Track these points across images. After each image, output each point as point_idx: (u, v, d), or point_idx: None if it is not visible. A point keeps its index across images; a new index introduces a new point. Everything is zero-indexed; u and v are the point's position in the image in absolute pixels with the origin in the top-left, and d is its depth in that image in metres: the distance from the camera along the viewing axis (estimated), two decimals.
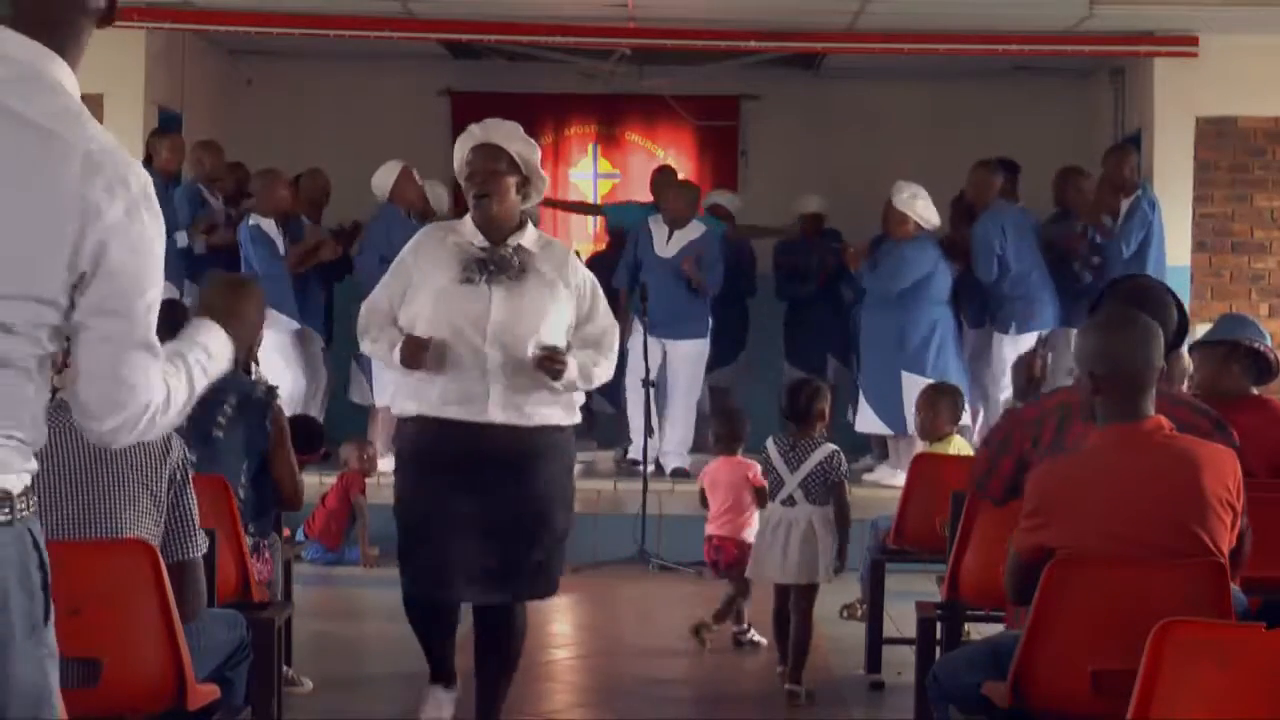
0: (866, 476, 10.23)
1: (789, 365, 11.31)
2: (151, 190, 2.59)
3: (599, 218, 12.23)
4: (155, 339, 2.63)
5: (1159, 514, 3.89)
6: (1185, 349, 4.78)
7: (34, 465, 2.61)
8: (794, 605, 6.32)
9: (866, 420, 10.20)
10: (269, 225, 9.92)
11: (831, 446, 6.38)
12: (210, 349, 2.86)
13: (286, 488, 5.55)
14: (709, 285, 10.44)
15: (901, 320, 10.03)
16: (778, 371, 11.19)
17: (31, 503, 2.59)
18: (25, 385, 2.55)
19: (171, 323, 4.36)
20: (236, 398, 5.32)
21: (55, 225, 2.50)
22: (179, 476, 4.16)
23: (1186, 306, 9.44)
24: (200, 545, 4.24)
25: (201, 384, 2.79)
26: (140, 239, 2.56)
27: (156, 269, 2.60)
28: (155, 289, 2.60)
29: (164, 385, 2.64)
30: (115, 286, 2.55)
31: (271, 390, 5.50)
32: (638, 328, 10.31)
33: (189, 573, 4.21)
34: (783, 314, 11.61)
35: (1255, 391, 5.42)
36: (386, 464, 10.01)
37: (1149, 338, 3.94)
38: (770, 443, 6.48)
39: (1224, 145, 10.86)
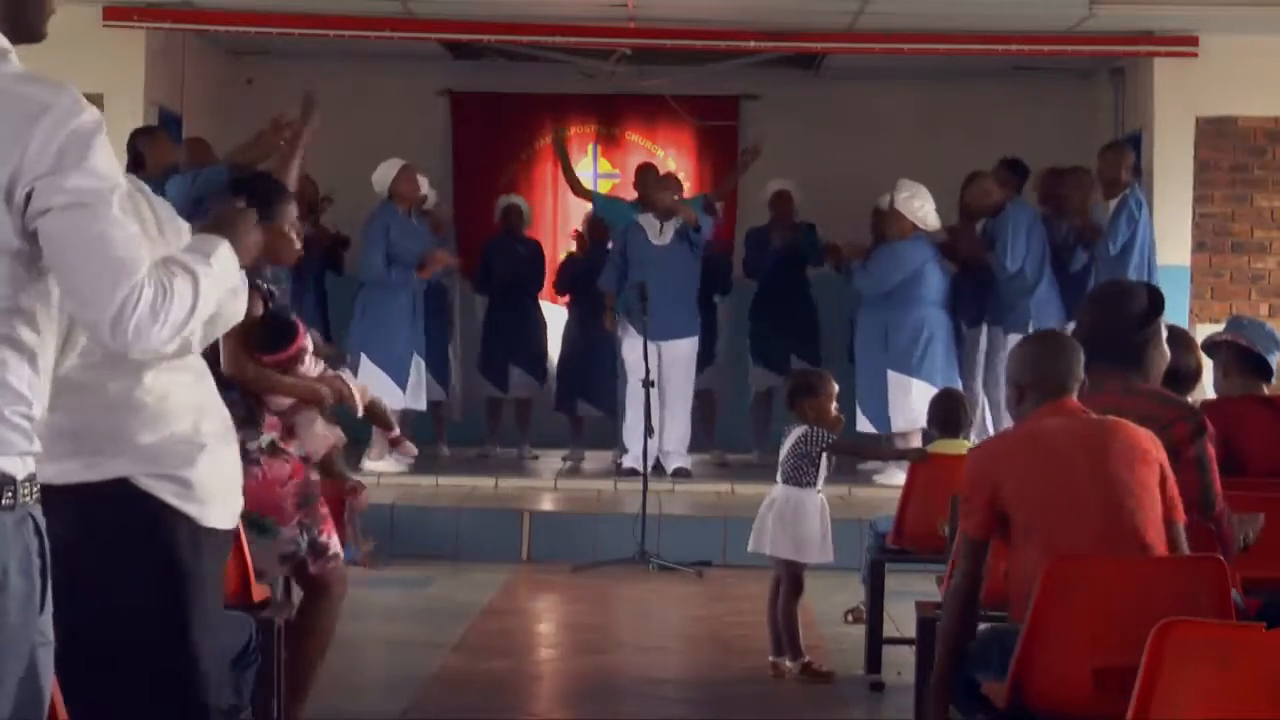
0: (876, 477, 10.24)
1: (753, 365, 11.45)
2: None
3: (586, 206, 12.18)
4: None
5: (1092, 454, 4.12)
6: (1165, 346, 4.79)
7: (38, 447, 2.60)
8: (782, 581, 6.50)
9: (861, 419, 10.22)
10: None
11: (803, 427, 6.50)
12: (212, 255, 2.84)
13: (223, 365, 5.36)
14: (695, 216, 10.64)
15: (890, 320, 10.12)
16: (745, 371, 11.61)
17: (36, 489, 2.59)
18: (10, 350, 2.55)
19: None
20: None
21: None
22: None
23: (1185, 306, 9.38)
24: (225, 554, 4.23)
25: (209, 288, 2.76)
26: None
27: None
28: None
29: (154, 270, 2.63)
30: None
31: None
32: (631, 330, 10.33)
33: None
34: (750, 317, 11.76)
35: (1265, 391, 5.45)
36: (385, 465, 10.02)
37: (1069, 351, 4.34)
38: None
39: (1224, 145, 10.85)
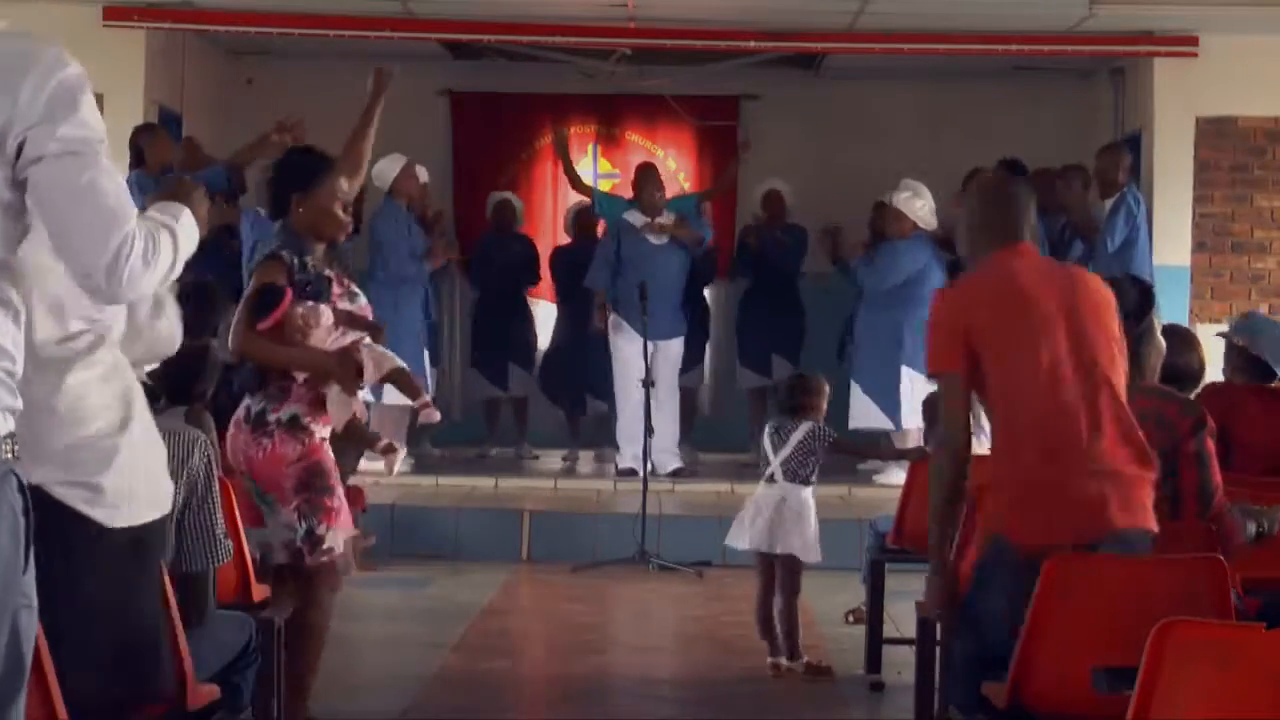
0: (876, 477, 10.24)
1: (740, 366, 11.45)
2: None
3: (581, 200, 12.18)
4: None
5: (1062, 297, 4.15)
6: (1160, 339, 4.79)
7: (19, 403, 2.62)
8: (780, 583, 6.50)
9: (861, 416, 10.22)
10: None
11: (810, 424, 6.51)
12: (179, 219, 2.89)
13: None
14: (700, 236, 10.66)
15: (896, 317, 10.13)
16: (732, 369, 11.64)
17: (16, 447, 2.60)
18: None
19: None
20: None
21: None
22: (200, 486, 4.11)
23: (1185, 306, 9.38)
24: (220, 556, 4.21)
25: (183, 246, 2.81)
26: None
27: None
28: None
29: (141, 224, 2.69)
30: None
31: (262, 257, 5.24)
32: (626, 329, 10.33)
33: (200, 583, 4.19)
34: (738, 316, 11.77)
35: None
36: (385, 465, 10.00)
37: (1023, 197, 4.38)
38: (767, 427, 6.70)
39: (1224, 145, 10.85)
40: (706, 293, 11.64)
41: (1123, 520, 4.04)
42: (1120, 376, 4.14)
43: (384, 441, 5.66)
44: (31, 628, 2.67)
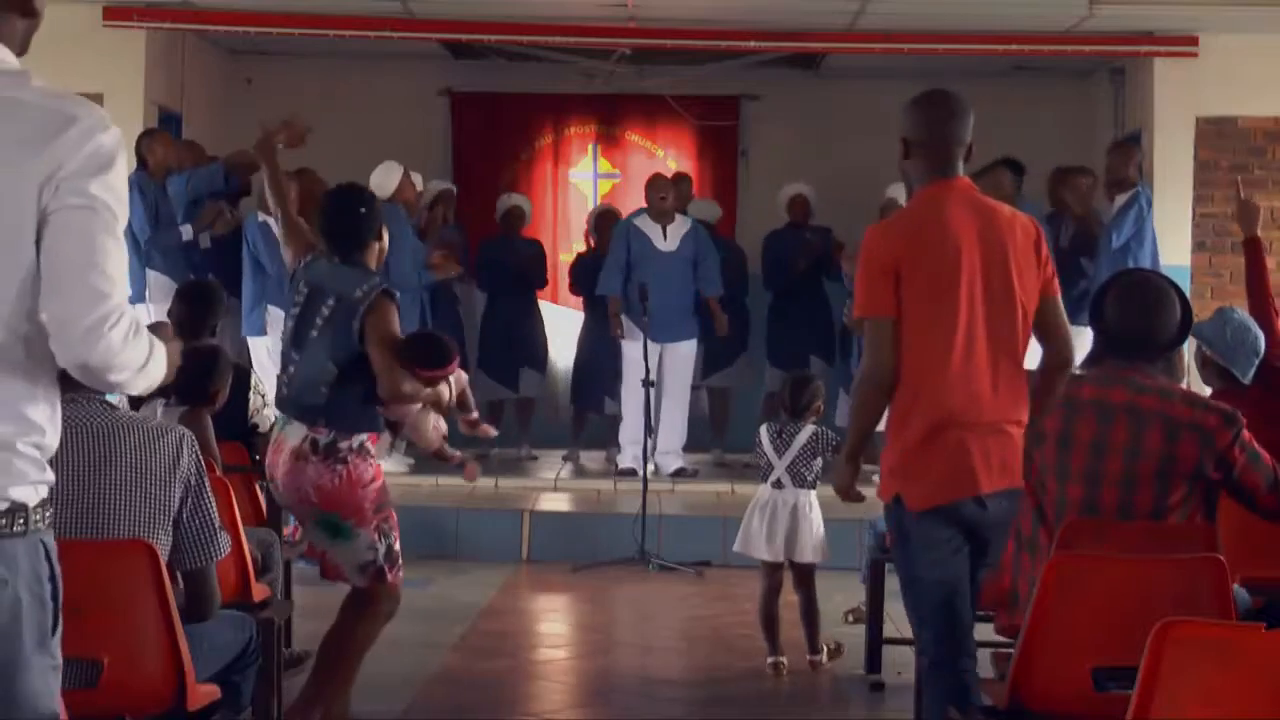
0: (876, 478, 10.20)
1: (771, 366, 11.35)
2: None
3: (603, 205, 12.16)
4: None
5: (979, 245, 4.12)
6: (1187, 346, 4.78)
7: (50, 476, 2.66)
8: (796, 583, 6.55)
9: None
10: (275, 223, 10.00)
11: (814, 427, 6.53)
12: (159, 346, 2.81)
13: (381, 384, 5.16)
14: (715, 291, 10.56)
15: None
16: (761, 371, 11.39)
17: (47, 515, 2.65)
18: (25, 382, 2.59)
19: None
20: (334, 298, 5.19)
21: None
22: (194, 483, 4.13)
23: None
24: (220, 549, 4.22)
25: (158, 361, 2.73)
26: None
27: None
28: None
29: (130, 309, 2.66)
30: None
31: (370, 292, 5.17)
32: (634, 330, 10.31)
33: (203, 578, 4.20)
34: (769, 318, 11.63)
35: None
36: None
37: (960, 112, 4.28)
38: (763, 429, 6.68)
39: (1224, 145, 10.85)
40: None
41: (1001, 482, 4.11)
42: (1028, 332, 4.16)
43: (459, 456, 5.76)
44: (58, 689, 2.71)
